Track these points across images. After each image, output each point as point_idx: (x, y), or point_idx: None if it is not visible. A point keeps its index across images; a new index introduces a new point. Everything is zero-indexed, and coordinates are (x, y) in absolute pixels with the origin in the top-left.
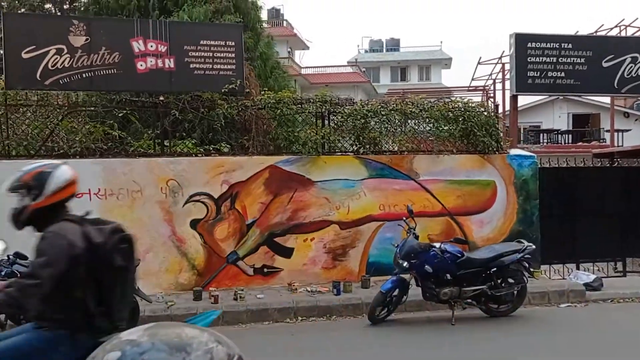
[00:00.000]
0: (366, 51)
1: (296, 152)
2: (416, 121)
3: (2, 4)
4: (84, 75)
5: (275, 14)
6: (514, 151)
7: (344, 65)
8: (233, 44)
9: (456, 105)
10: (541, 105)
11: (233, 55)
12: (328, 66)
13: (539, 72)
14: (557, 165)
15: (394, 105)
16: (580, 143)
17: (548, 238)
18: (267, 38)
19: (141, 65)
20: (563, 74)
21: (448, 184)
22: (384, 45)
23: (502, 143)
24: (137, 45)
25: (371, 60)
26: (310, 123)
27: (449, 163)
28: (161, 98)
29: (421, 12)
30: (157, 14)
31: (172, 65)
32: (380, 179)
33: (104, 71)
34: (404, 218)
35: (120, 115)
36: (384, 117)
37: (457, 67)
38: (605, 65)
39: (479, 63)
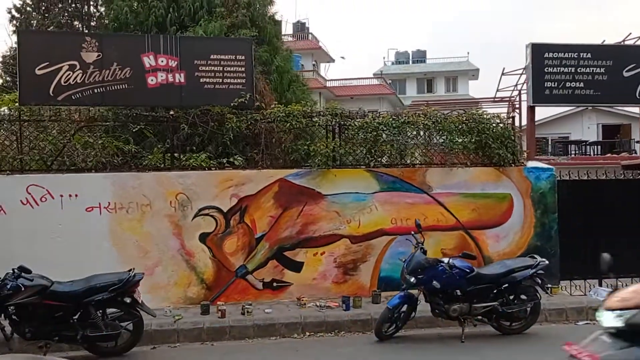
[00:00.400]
0: (392, 63)
1: (306, 165)
2: (429, 133)
3: (32, 21)
4: (95, 91)
5: (301, 27)
6: (531, 163)
7: (369, 78)
8: (243, 57)
9: (470, 117)
10: (570, 116)
11: (243, 69)
12: (353, 78)
13: (556, 83)
14: (577, 177)
15: (406, 117)
16: (609, 154)
17: (568, 253)
18: (286, 52)
19: (152, 80)
20: (582, 84)
21: (462, 197)
22: (410, 57)
23: (518, 155)
24: (148, 61)
25: (397, 72)
26: (321, 136)
27: (463, 176)
28: (171, 112)
29: (449, 24)
30: (174, 30)
31: (182, 79)
32: (392, 193)
33: (115, 86)
34: (412, 232)
35: (134, 130)
36: (396, 129)
37: (485, 77)
38: (626, 75)
39: (502, 74)
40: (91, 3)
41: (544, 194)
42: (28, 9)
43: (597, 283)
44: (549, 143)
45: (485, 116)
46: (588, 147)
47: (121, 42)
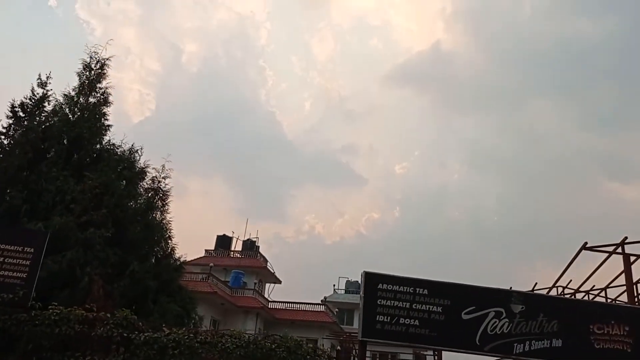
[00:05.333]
0: (344, 291)
1: None
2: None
3: None
4: None
5: (250, 245)
6: None
7: (314, 304)
8: (32, 250)
9: (282, 345)
10: None
11: (27, 262)
12: (297, 302)
13: (389, 318)
14: None
15: (203, 337)
16: None
17: None
18: (171, 261)
19: None
20: (417, 322)
21: None
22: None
23: None
24: None
25: (346, 301)
26: (100, 348)
27: None
28: None
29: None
30: (25, 220)
31: None
32: None
33: None
34: None
35: None
36: (188, 350)
37: None
38: (465, 317)
39: None
40: None
41: None
42: None
43: None
44: None
45: (301, 344)
46: None
47: None
